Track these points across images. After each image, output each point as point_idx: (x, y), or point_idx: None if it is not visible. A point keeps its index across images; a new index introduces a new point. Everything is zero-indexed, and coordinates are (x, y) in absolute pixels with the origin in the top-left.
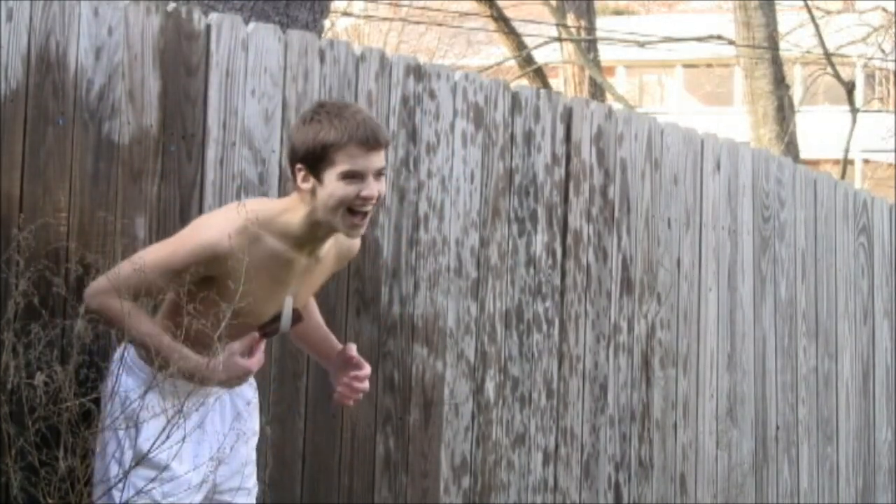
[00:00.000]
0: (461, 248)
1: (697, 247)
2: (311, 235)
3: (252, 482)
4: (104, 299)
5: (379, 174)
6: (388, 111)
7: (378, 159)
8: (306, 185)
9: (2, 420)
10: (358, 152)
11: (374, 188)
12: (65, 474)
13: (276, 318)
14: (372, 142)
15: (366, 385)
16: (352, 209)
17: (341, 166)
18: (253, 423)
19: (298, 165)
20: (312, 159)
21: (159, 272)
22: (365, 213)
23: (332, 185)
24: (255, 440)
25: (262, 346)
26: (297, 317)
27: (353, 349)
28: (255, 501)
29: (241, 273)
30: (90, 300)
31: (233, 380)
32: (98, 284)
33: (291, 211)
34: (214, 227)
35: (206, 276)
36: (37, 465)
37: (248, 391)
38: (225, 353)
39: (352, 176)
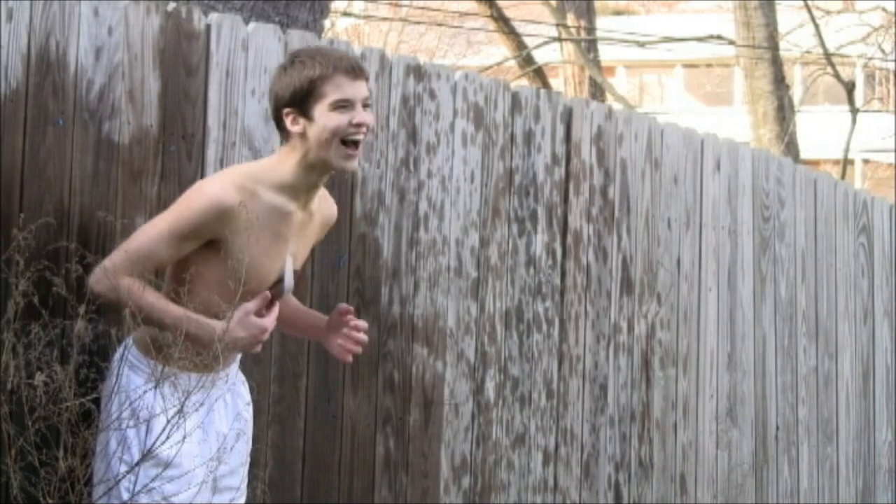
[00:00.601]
0: (461, 248)
1: (697, 247)
2: (306, 182)
3: (245, 482)
4: (109, 282)
5: (365, 104)
6: (388, 111)
7: (363, 88)
8: (296, 128)
9: (2, 420)
10: (345, 81)
11: (365, 115)
12: (65, 474)
13: (279, 280)
14: (357, 70)
15: (364, 336)
16: (345, 140)
17: (331, 97)
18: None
19: (286, 110)
20: (300, 98)
21: (166, 241)
22: (357, 143)
23: (324, 118)
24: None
25: (276, 308)
26: (297, 278)
27: (346, 305)
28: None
29: (245, 228)
30: (95, 286)
31: (250, 341)
32: (101, 268)
33: (282, 162)
34: (216, 184)
35: (207, 244)
36: (37, 465)
37: (246, 392)
38: (239, 311)
39: (342, 105)
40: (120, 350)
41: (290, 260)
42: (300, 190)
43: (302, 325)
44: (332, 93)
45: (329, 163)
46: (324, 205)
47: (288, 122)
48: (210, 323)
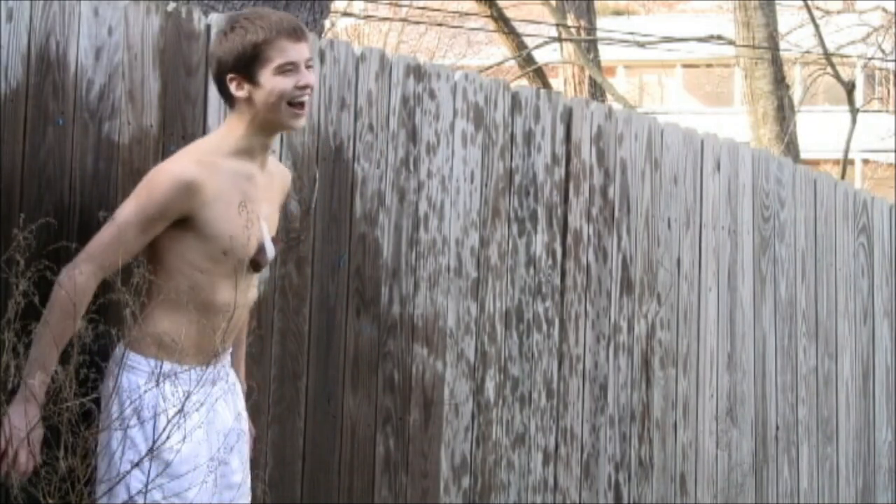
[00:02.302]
0: (461, 248)
1: (697, 247)
2: (259, 143)
3: (248, 484)
4: (74, 272)
5: (308, 65)
6: (388, 111)
7: (305, 50)
8: (241, 93)
9: (2, 420)
10: (288, 44)
11: (309, 76)
12: (65, 474)
13: (261, 248)
14: (299, 31)
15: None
16: (291, 102)
17: (276, 61)
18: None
19: (230, 76)
20: (244, 63)
21: (133, 228)
22: (303, 103)
23: (270, 83)
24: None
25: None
26: (276, 242)
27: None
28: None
29: (214, 199)
30: (65, 282)
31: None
32: (72, 265)
33: (233, 129)
34: (175, 163)
35: (177, 224)
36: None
37: (242, 397)
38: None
39: (287, 69)
40: (118, 350)
41: (265, 226)
42: (255, 151)
43: None
44: (277, 57)
45: (279, 123)
46: (279, 168)
47: (232, 87)
48: (33, 390)
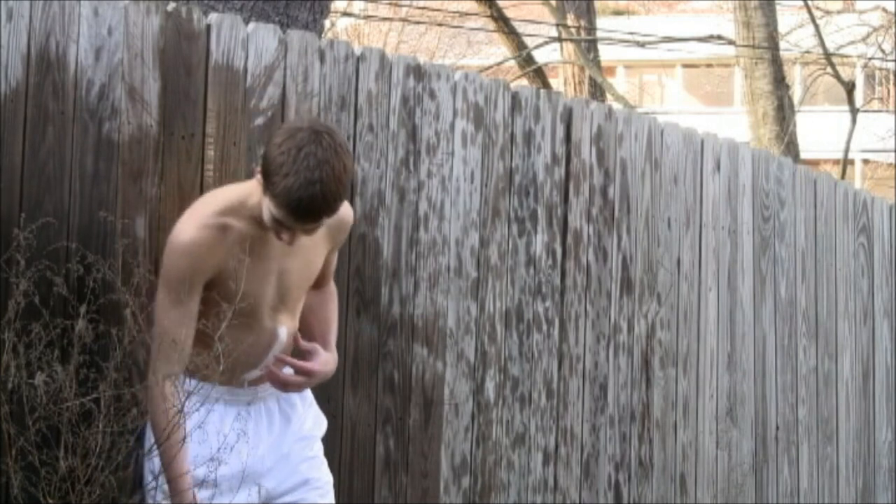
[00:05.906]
0: (461, 248)
1: (697, 247)
2: None
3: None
4: (159, 384)
5: (305, 230)
6: (388, 111)
7: (304, 224)
8: (259, 179)
9: (2, 420)
10: (286, 216)
11: (289, 238)
12: (65, 474)
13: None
14: (302, 218)
15: (300, 379)
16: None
17: (275, 211)
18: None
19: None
20: (265, 177)
21: (174, 307)
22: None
23: (267, 208)
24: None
25: None
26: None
27: (311, 344)
28: None
29: (233, 264)
30: (154, 390)
31: None
32: (154, 367)
33: (253, 194)
34: (185, 230)
35: (207, 286)
36: (37, 464)
37: (293, 396)
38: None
39: (279, 223)
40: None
41: (283, 330)
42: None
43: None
44: (276, 211)
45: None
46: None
47: (257, 170)
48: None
